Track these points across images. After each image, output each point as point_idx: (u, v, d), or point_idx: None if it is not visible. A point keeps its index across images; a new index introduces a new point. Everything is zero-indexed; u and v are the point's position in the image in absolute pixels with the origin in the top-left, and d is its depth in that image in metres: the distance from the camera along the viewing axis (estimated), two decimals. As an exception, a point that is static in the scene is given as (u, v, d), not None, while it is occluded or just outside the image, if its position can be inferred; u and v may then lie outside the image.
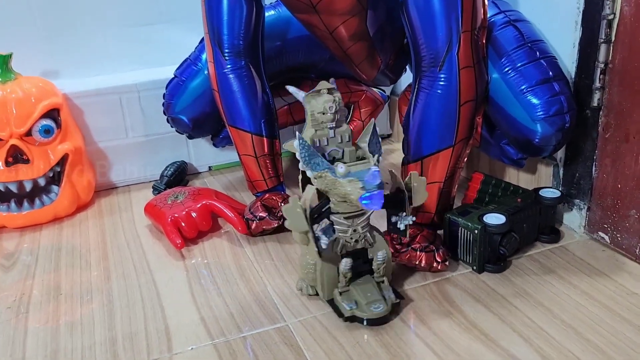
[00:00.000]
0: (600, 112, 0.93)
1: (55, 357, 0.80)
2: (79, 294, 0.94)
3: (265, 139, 1.11)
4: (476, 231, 0.90)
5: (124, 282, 0.97)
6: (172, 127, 1.26)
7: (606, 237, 0.97)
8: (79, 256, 1.06)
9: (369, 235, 0.84)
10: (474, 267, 0.93)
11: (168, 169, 1.32)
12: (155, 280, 0.97)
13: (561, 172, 1.02)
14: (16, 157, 1.14)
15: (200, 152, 1.40)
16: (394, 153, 1.46)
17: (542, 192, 0.98)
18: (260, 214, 1.06)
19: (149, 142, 1.34)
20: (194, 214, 1.08)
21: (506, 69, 0.91)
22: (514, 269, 0.93)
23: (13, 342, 0.83)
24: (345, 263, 0.82)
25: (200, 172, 1.42)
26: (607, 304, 0.83)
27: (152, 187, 1.30)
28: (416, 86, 0.92)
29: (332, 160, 0.82)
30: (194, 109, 1.21)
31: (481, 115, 0.95)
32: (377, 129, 0.83)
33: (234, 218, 1.07)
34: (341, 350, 0.77)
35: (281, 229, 1.08)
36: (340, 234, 0.82)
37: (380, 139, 0.83)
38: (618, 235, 0.95)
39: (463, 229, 0.92)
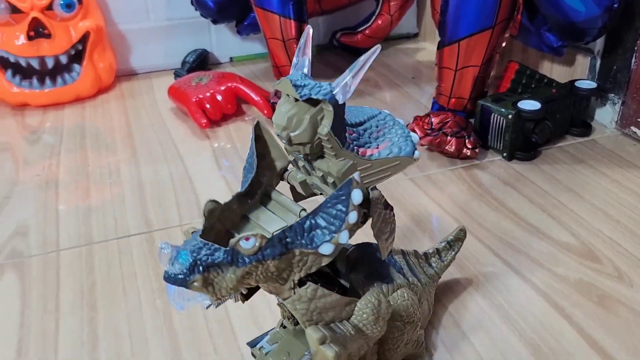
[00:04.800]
0: (648, 0, 0.90)
1: (89, 235, 0.81)
2: (107, 172, 0.94)
3: (293, 21, 1.08)
4: (510, 116, 0.88)
5: (152, 160, 0.96)
6: (196, 10, 1.22)
7: (639, 132, 0.96)
8: (104, 136, 1.06)
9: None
10: (504, 154, 0.92)
11: (190, 55, 1.30)
12: (183, 158, 0.96)
13: (598, 64, 0.99)
14: (37, 31, 1.11)
15: (223, 42, 1.36)
16: (421, 52, 1.42)
17: (578, 83, 0.96)
18: (287, 98, 1.04)
19: (171, 27, 1.30)
20: (219, 97, 1.06)
21: (554, -54, 0.87)
22: (544, 158, 0.93)
23: (45, 214, 0.84)
24: None
25: (221, 63, 1.39)
26: (637, 191, 0.83)
27: (174, 74, 1.28)
28: (458, -38, 0.88)
29: None
30: (219, -10, 1.16)
31: (523, -4, 0.91)
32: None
33: (260, 101, 1.06)
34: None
35: (307, 114, 1.07)
36: None
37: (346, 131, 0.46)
38: (652, 129, 0.93)
39: (496, 115, 0.90)
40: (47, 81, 1.15)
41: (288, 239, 0.41)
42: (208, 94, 1.06)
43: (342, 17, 1.37)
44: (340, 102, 0.41)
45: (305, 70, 0.43)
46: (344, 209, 0.41)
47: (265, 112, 1.05)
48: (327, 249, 0.41)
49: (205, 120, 1.03)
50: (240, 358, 0.57)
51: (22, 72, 1.13)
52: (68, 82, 1.16)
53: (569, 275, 0.67)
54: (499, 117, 0.90)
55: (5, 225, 0.80)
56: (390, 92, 1.20)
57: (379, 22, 1.33)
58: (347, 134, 0.43)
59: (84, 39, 1.16)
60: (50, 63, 1.14)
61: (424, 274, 0.57)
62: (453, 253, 0.62)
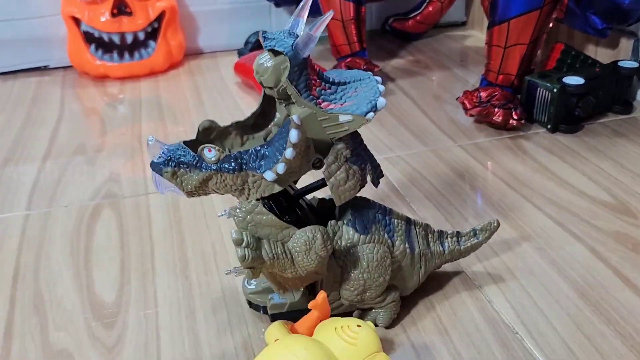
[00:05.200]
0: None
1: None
2: (184, 135, 1.05)
3: (351, 4, 1.17)
4: (555, 90, 0.95)
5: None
6: (260, -7, 1.32)
7: (679, 110, 1.01)
8: (178, 105, 1.16)
9: None
10: (548, 127, 0.98)
11: (252, 36, 1.39)
12: (249, 123, 1.06)
13: (641, 46, 1.05)
14: (120, 9, 1.23)
15: (282, 24, 1.46)
16: (468, 38, 1.49)
17: (621, 63, 1.02)
18: (344, 73, 1.13)
19: (235, 10, 1.40)
20: (282, 71, 1.15)
21: None
22: (587, 132, 0.99)
23: (133, 165, 0.95)
24: None
25: (280, 45, 1.48)
26: (675, 161, 0.89)
27: (238, 53, 1.38)
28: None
29: None
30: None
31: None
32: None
33: (320, 76, 1.14)
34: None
35: (363, 89, 1.15)
36: None
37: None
38: (692, 107, 0.98)
39: (541, 89, 0.97)
40: (126, 55, 1.26)
41: (244, 160, 0.51)
42: (272, 69, 1.15)
43: (394, 3, 1.45)
44: (301, 56, 0.49)
45: (297, 30, 0.51)
46: (284, 144, 0.50)
47: (325, 85, 1.14)
48: (268, 175, 0.50)
49: (270, 92, 1.12)
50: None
51: (104, 46, 1.25)
52: (144, 57, 1.27)
53: (606, 227, 0.74)
54: (544, 91, 0.97)
55: (99, 173, 0.91)
56: (440, 72, 1.28)
57: (430, 8, 1.41)
58: (319, 88, 0.51)
59: (159, 18, 1.27)
60: (129, 39, 1.25)
61: (425, 247, 0.60)
62: (476, 241, 0.63)
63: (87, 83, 1.27)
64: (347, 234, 0.56)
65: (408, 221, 0.60)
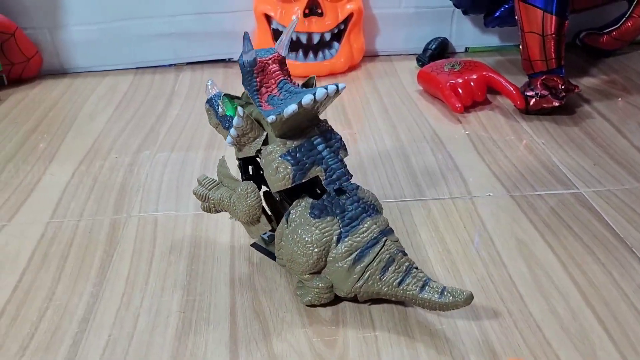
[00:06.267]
0: None
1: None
2: (372, 139, 1.04)
3: (554, 17, 1.09)
4: None
5: (412, 136, 1.04)
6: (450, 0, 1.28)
7: None
8: (361, 108, 1.15)
9: None
10: None
11: (432, 42, 1.36)
12: (438, 134, 1.03)
13: None
14: (312, 9, 1.24)
15: (461, 32, 1.41)
16: None
17: None
18: (541, 92, 1.07)
19: (417, 14, 1.37)
20: (472, 83, 1.11)
21: None
22: None
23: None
24: None
25: (456, 52, 1.44)
26: None
27: (416, 59, 1.35)
28: None
29: None
30: (478, -18, 1.21)
31: None
32: None
33: (514, 92, 1.09)
34: (644, 222, 0.79)
35: (560, 110, 1.08)
36: None
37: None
38: None
39: None
40: (310, 55, 1.28)
41: (230, 122, 0.66)
42: (460, 80, 1.11)
43: (586, 17, 1.35)
44: (246, 67, 0.62)
45: (278, 46, 0.65)
46: (231, 124, 0.65)
47: (518, 102, 1.08)
48: (227, 140, 0.66)
49: (459, 105, 1.08)
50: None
51: (291, 45, 1.27)
52: (327, 58, 1.28)
53: None
54: None
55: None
56: (639, 95, 1.17)
57: (629, 24, 1.29)
58: (273, 94, 0.63)
59: (346, 20, 1.27)
60: (316, 39, 1.26)
61: (378, 268, 0.62)
62: (438, 298, 0.59)
63: (270, 79, 1.29)
64: (303, 210, 0.64)
65: (378, 237, 0.62)
